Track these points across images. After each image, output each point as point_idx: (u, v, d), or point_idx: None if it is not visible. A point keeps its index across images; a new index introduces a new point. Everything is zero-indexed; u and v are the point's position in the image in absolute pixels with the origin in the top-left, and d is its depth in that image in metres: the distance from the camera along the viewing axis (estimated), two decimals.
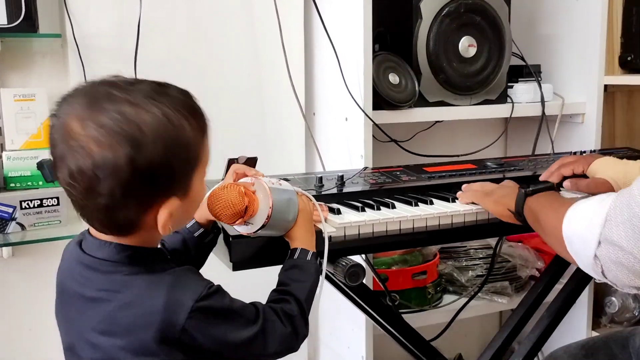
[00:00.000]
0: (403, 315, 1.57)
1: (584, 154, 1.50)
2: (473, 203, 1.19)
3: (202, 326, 0.78)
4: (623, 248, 0.82)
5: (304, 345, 1.79)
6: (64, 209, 1.48)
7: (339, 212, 1.13)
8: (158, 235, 0.84)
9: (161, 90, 0.80)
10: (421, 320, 1.67)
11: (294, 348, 0.87)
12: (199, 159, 0.82)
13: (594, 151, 1.65)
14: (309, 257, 0.92)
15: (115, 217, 0.78)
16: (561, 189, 1.26)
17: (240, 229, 0.95)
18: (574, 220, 0.91)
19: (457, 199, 1.21)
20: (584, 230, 0.88)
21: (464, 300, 1.72)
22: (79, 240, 0.86)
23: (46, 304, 1.60)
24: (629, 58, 1.83)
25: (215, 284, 0.84)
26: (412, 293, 1.68)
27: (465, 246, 1.83)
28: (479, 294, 1.73)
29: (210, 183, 1.06)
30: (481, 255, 1.80)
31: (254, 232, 0.93)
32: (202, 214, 0.97)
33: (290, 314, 0.87)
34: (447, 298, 1.78)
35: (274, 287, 0.91)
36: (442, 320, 1.71)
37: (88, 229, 0.85)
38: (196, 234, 0.98)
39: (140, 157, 0.75)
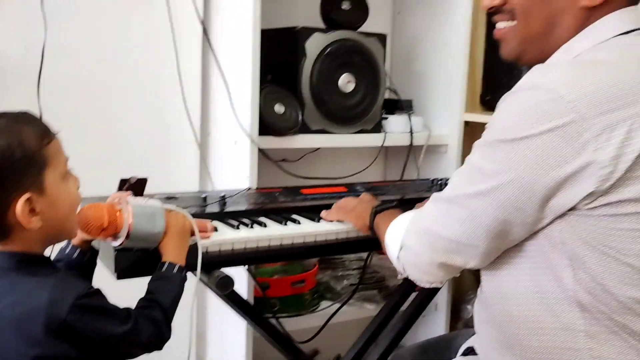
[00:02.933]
0: (283, 319, 1.78)
1: None
2: (339, 220, 1.39)
3: (83, 320, 0.93)
4: (414, 252, 1.05)
5: (193, 344, 1.95)
6: None
7: (216, 229, 1.30)
8: (37, 239, 0.98)
9: (2, 113, 0.96)
10: (299, 324, 1.87)
11: (159, 347, 1.04)
12: (45, 160, 0.96)
13: None
14: (175, 270, 1.09)
15: None
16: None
17: (112, 243, 1.11)
18: (390, 230, 1.14)
19: (322, 219, 1.42)
20: (393, 238, 1.11)
21: (338, 306, 1.94)
22: None
23: None
24: (487, 98, 2.12)
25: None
26: (291, 299, 1.88)
27: (342, 257, 2.05)
28: (351, 301, 1.95)
29: (104, 200, 1.22)
30: (355, 266, 2.03)
31: (121, 244, 1.09)
32: (78, 235, 1.13)
33: (156, 319, 1.03)
34: (324, 304, 1.99)
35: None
36: (318, 324, 1.92)
37: None
38: (74, 256, 1.13)
39: None
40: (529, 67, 1.00)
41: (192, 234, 1.18)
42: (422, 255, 1.03)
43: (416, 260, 1.05)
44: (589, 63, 0.92)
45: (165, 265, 1.09)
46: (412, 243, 1.05)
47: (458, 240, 0.98)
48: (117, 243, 1.10)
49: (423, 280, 1.08)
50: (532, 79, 0.91)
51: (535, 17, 1.00)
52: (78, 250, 1.14)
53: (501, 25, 1.05)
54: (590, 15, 0.97)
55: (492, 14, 1.06)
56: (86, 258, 1.15)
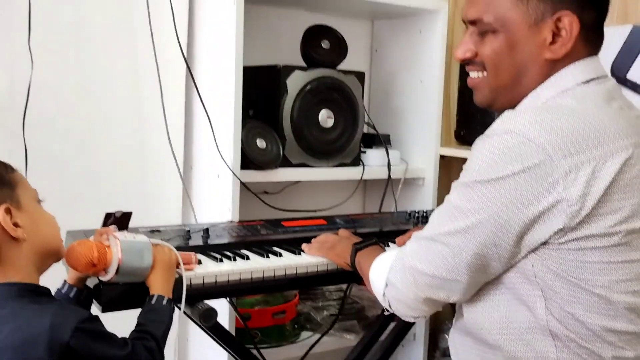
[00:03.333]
0: (264, 350, 1.80)
1: None
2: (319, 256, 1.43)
3: (84, 343, 0.97)
4: (398, 288, 1.10)
5: None
6: None
7: (199, 262, 1.33)
8: (29, 261, 1.03)
9: None
10: (280, 354, 1.89)
11: None
12: (14, 181, 1.05)
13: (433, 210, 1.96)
14: (164, 302, 1.13)
15: None
16: (390, 243, 1.54)
17: (101, 278, 1.14)
18: (375, 268, 1.19)
19: (303, 251, 1.46)
20: (378, 275, 1.16)
21: (318, 336, 1.96)
22: None
23: None
24: (462, 133, 2.19)
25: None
26: (272, 330, 1.90)
27: (322, 289, 2.08)
28: (331, 331, 1.98)
29: (88, 233, 1.25)
30: (335, 297, 2.06)
31: (111, 279, 1.12)
32: (72, 275, 1.16)
33: (150, 348, 1.07)
34: (305, 334, 2.01)
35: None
36: (299, 354, 1.94)
37: None
38: (71, 295, 1.16)
39: None
40: (500, 112, 1.07)
41: (178, 265, 1.21)
42: (407, 292, 1.08)
43: (401, 296, 1.10)
44: (554, 109, 1.00)
45: (155, 298, 1.13)
46: (396, 280, 1.10)
47: (440, 275, 1.03)
48: (106, 278, 1.12)
49: (408, 315, 1.13)
50: (503, 124, 0.99)
51: (504, 69, 1.08)
52: (74, 290, 1.17)
53: (473, 75, 1.13)
54: (554, 66, 1.06)
55: (465, 63, 1.14)
56: (82, 296, 1.17)
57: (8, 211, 1.00)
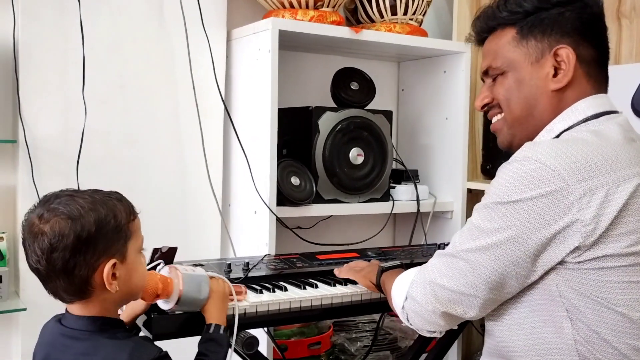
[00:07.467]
0: None
1: None
2: (349, 280, 1.52)
3: None
4: (419, 302, 1.16)
5: None
6: (5, 286, 1.70)
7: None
8: (112, 302, 1.11)
9: (97, 190, 1.13)
10: None
11: None
12: (130, 233, 1.11)
13: None
14: (221, 331, 1.21)
15: (72, 279, 1.05)
16: None
17: (163, 306, 1.24)
18: (396, 283, 1.26)
19: (338, 283, 1.54)
20: (399, 289, 1.23)
21: None
22: (59, 319, 1.13)
23: None
24: (488, 167, 2.26)
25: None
26: None
27: (355, 320, 2.15)
28: None
29: None
30: (368, 328, 2.12)
31: (171, 308, 1.22)
32: (127, 313, 1.26)
33: None
34: None
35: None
36: None
37: (66, 309, 1.12)
38: None
39: (78, 226, 1.04)
40: None
41: (230, 295, 1.31)
42: (426, 305, 1.15)
43: (420, 309, 1.17)
44: (569, 141, 1.09)
45: (213, 327, 1.21)
46: (416, 294, 1.17)
47: (459, 290, 1.11)
48: (167, 307, 1.22)
49: (424, 328, 1.20)
50: (523, 152, 1.08)
51: (515, 103, 1.19)
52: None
53: (494, 119, 1.25)
54: (562, 97, 1.16)
55: (486, 112, 1.26)
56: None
57: (114, 266, 1.07)
